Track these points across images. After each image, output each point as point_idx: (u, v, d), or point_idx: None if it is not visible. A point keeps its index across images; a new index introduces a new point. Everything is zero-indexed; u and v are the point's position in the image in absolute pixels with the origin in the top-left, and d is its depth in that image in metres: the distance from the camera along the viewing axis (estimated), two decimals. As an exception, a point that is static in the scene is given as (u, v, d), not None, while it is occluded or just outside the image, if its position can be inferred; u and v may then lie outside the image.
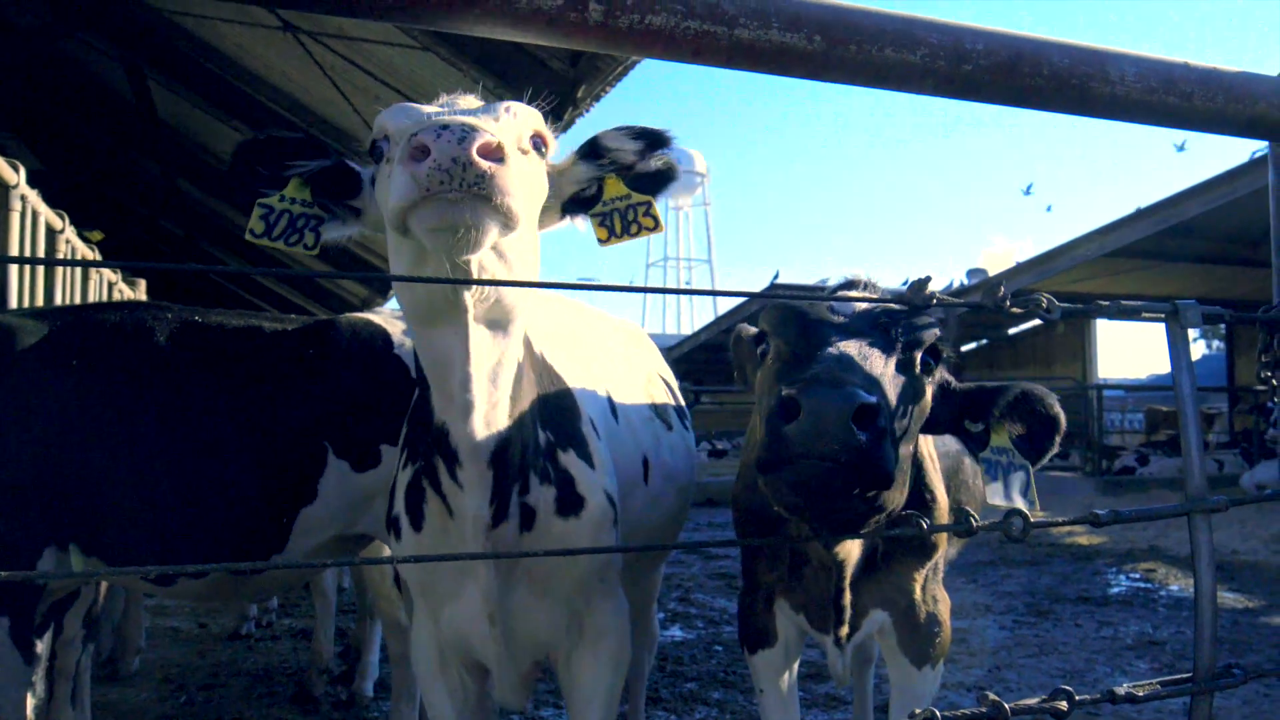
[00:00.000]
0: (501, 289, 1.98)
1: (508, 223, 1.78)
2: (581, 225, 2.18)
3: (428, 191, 1.68)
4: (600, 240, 2.13)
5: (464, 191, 1.67)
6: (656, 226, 2.14)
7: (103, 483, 2.98)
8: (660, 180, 2.15)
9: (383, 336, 3.47)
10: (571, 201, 2.17)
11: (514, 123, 1.96)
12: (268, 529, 3.18)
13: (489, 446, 2.11)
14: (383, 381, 3.36)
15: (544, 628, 2.45)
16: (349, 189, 2.12)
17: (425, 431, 2.23)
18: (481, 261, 1.89)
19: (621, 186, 2.13)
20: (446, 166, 1.65)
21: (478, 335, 2.01)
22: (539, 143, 2.07)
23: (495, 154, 1.69)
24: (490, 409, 2.09)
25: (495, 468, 2.13)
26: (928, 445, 2.76)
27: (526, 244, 2.02)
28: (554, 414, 2.44)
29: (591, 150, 2.15)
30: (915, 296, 1.85)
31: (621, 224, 2.13)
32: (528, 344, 2.34)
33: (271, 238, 2.02)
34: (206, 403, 3.14)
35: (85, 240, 6.31)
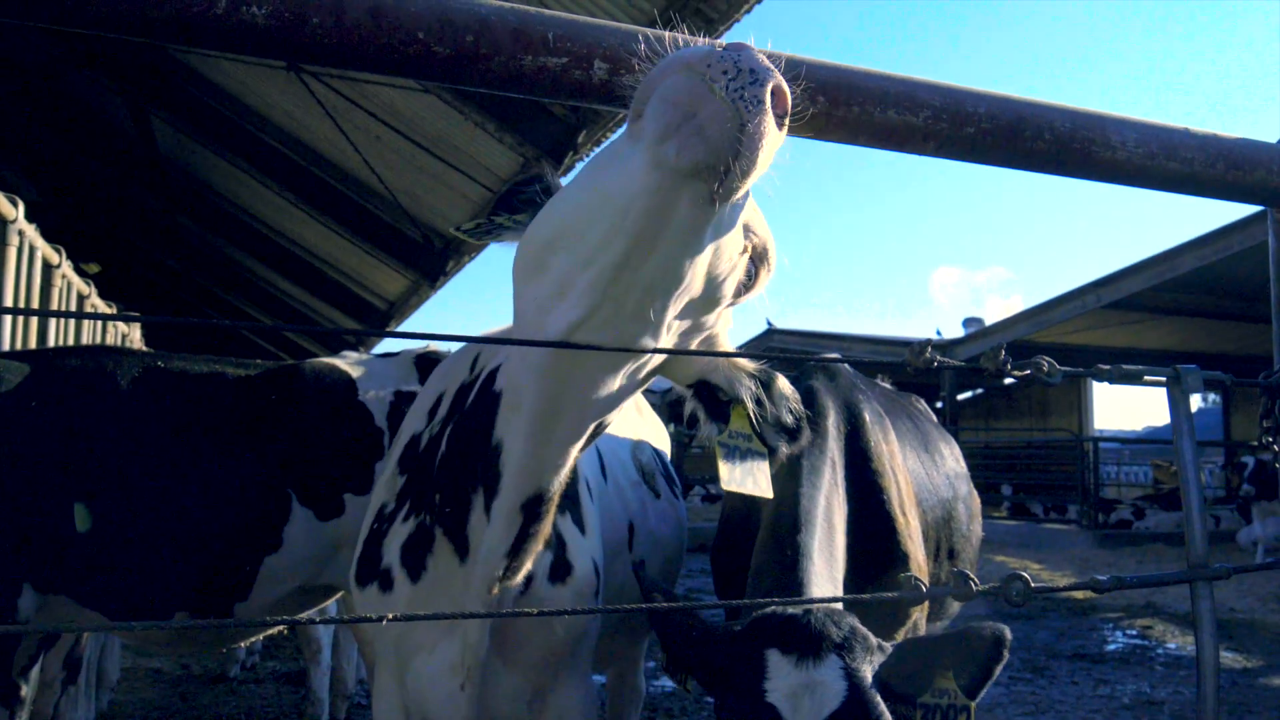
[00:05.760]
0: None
1: (743, 183, 1.36)
2: (706, 430, 1.89)
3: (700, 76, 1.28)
4: (722, 480, 1.84)
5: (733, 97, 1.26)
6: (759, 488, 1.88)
7: (69, 526, 2.94)
8: (784, 433, 1.93)
9: (346, 383, 3.45)
10: (702, 398, 1.91)
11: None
12: (231, 577, 3.14)
13: (528, 485, 1.93)
14: (346, 429, 3.34)
15: (505, 701, 2.30)
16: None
17: (462, 463, 2.04)
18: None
19: (746, 424, 1.90)
20: (733, 66, 1.28)
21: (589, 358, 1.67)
22: (754, 265, 1.76)
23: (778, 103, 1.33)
24: (545, 446, 1.86)
25: (525, 513, 1.97)
26: (907, 513, 2.70)
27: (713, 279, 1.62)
28: None
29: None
30: (915, 360, 1.83)
31: (741, 473, 1.86)
32: None
33: (469, 233, 2.17)
34: (169, 448, 3.11)
35: (82, 273, 6.29)
